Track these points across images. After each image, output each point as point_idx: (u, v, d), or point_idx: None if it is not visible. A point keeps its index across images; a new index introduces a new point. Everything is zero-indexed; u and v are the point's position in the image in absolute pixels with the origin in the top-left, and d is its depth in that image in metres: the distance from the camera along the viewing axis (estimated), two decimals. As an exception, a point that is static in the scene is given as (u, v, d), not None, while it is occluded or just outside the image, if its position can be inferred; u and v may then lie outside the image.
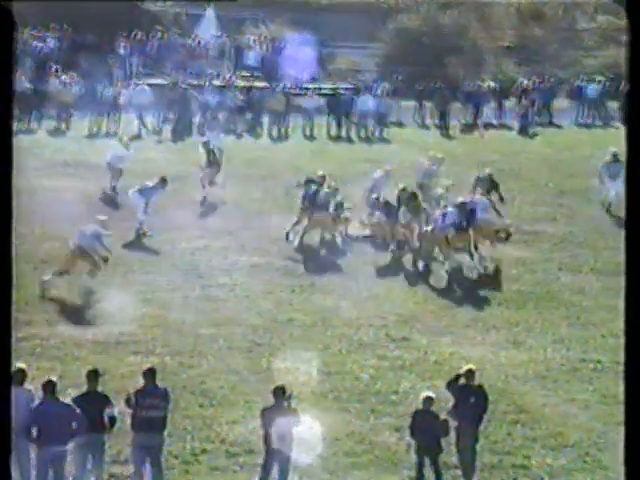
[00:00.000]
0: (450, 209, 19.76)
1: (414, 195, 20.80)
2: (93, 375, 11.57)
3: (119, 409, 11.56)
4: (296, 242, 20.35)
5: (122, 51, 37.74)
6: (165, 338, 15.63)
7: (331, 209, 20.81)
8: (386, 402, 14.00)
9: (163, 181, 20.98)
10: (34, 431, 11.09)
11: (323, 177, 21.54)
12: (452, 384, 12.23)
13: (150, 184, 21.06)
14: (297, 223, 20.76)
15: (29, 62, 35.53)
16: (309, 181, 21.40)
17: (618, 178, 22.14)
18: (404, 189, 20.90)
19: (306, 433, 12.56)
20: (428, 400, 11.82)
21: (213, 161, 23.60)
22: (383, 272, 19.54)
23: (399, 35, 40.56)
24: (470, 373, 12.13)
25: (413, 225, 20.49)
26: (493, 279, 19.32)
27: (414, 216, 20.51)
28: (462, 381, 12.15)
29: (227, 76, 35.42)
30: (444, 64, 37.76)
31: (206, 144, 24.20)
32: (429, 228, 19.72)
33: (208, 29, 40.65)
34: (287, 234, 20.60)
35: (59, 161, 26.67)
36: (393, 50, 40.11)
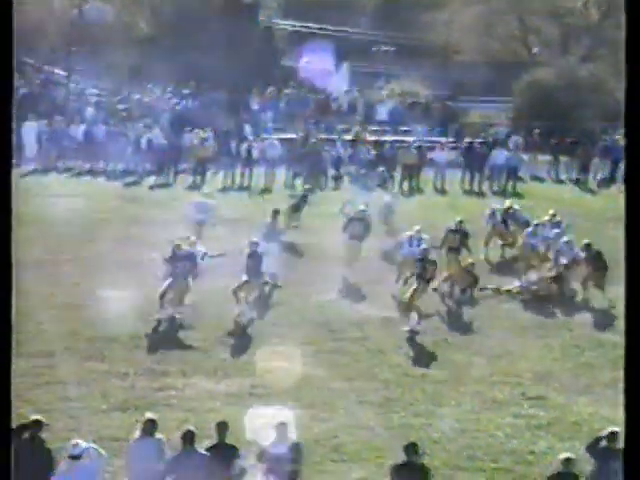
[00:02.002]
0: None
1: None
2: (223, 426, 11.56)
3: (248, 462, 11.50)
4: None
5: (255, 106, 38.46)
6: (297, 391, 15.55)
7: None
8: (522, 462, 13.56)
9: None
10: (170, 480, 11.12)
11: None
12: (593, 447, 11.74)
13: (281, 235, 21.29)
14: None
15: (166, 118, 36.54)
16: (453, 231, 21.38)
17: None
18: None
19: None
20: (568, 461, 11.35)
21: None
22: (517, 328, 19.11)
23: (533, 88, 40.19)
24: (613, 436, 11.63)
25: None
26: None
27: None
28: (604, 444, 11.65)
29: (358, 130, 35.66)
30: (580, 118, 37.16)
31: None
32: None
33: (340, 83, 41.10)
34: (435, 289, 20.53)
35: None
36: (527, 103, 39.75)
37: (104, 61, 48.31)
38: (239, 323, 18.40)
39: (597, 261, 20.53)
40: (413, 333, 18.35)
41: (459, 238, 21.36)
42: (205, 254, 19.58)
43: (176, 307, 18.57)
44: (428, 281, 19.09)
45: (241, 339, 17.85)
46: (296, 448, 11.61)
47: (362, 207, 23.09)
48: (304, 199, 25.47)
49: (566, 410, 15.30)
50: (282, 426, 11.64)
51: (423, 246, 20.12)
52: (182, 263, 18.69)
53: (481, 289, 20.85)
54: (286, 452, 11.47)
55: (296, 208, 24.82)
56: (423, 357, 17.43)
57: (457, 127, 39.00)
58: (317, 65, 42.26)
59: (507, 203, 24.77)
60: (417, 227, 21.71)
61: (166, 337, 17.73)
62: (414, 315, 18.66)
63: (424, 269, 18.94)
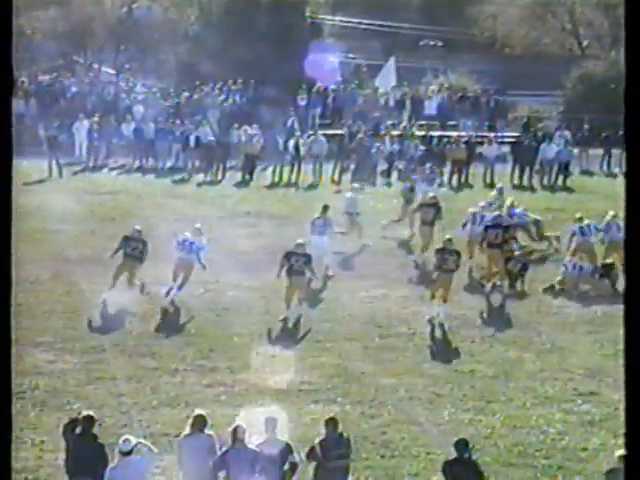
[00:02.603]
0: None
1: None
2: (271, 422, 11.56)
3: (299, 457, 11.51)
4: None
5: (302, 103, 38.48)
6: (345, 387, 15.53)
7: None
8: (574, 459, 13.41)
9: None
10: (221, 476, 11.14)
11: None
12: (646, 442, 11.57)
13: (319, 222, 21.37)
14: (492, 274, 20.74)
15: (215, 115, 36.70)
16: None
17: None
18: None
19: (490, 488, 12.20)
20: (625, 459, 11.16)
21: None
22: (568, 324, 18.93)
23: (583, 81, 39.80)
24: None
25: None
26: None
27: None
28: (658, 439, 11.48)
29: (405, 125, 35.56)
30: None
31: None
32: None
33: (388, 79, 41.01)
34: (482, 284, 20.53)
35: (241, 211, 27.25)
36: (577, 97, 39.39)
37: (153, 59, 48.69)
38: (288, 319, 18.41)
39: None
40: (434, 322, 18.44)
41: (501, 234, 21.02)
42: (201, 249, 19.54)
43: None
44: (451, 271, 18.96)
45: (289, 335, 17.87)
46: (347, 444, 11.57)
47: (431, 194, 23.36)
48: (412, 190, 25.43)
49: (620, 406, 15.09)
50: (332, 422, 11.59)
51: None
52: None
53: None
54: (338, 448, 11.43)
55: (408, 201, 24.82)
56: (472, 353, 17.32)
57: (506, 121, 38.76)
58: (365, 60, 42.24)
59: (508, 201, 23.90)
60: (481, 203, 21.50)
61: (214, 334, 17.79)
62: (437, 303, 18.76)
63: (443, 260, 18.89)
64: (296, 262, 18.72)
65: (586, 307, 19.94)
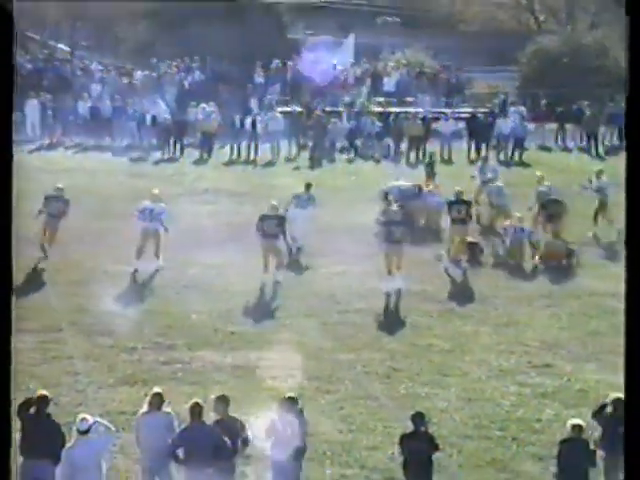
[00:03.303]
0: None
1: None
2: (223, 400, 11.59)
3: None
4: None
5: (260, 80, 38.34)
6: (303, 363, 15.59)
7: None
8: (528, 430, 13.59)
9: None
10: (180, 453, 11.17)
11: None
12: (599, 413, 11.76)
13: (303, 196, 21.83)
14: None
15: (172, 92, 36.49)
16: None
17: None
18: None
19: (446, 461, 12.34)
20: (578, 428, 11.34)
21: None
22: (525, 298, 19.11)
23: (538, 57, 39.97)
24: (618, 402, 11.62)
25: None
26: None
27: None
28: (609, 410, 11.67)
29: (363, 102, 35.57)
30: (585, 85, 36.96)
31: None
32: None
33: (345, 56, 40.93)
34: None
35: (199, 188, 27.21)
36: (532, 72, 39.55)
37: (109, 36, 48.20)
38: (264, 285, 18.73)
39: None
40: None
41: (464, 210, 21.20)
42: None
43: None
44: (399, 242, 19.28)
45: (248, 311, 17.90)
46: (303, 420, 11.62)
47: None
48: (431, 166, 25.80)
49: (572, 378, 15.32)
50: (290, 399, 11.62)
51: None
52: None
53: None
54: (295, 425, 11.47)
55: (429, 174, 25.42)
56: (430, 327, 17.45)
57: (463, 97, 38.88)
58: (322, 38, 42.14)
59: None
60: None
61: (172, 311, 17.78)
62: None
63: (390, 233, 19.26)
64: (268, 225, 19.05)
65: (543, 281, 20.15)
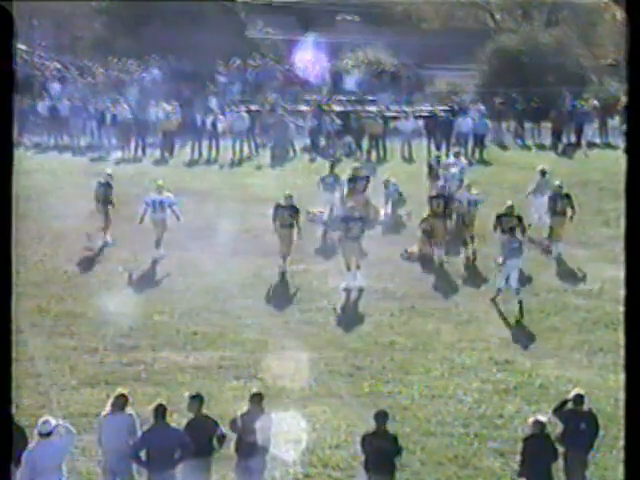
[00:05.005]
0: None
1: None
2: (197, 400, 11.59)
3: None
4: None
5: (221, 79, 38.28)
6: (266, 362, 15.61)
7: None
8: (490, 426, 13.71)
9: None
10: (143, 455, 11.14)
11: None
12: (560, 409, 11.87)
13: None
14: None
15: (133, 91, 36.31)
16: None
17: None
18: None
19: (408, 458, 12.41)
20: (540, 424, 11.44)
21: None
22: (484, 295, 19.23)
23: (497, 55, 40.23)
24: (579, 398, 11.74)
25: None
26: (598, 300, 18.88)
27: None
28: (570, 406, 11.79)
29: (324, 100, 35.61)
30: (545, 83, 37.25)
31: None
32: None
33: (306, 55, 40.96)
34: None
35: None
36: (492, 70, 39.80)
37: (68, 35, 47.85)
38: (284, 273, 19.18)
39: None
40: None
41: (442, 204, 21.11)
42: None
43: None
44: (357, 238, 19.38)
45: (210, 311, 17.88)
46: (268, 419, 11.64)
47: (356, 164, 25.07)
48: (438, 163, 25.83)
49: (533, 374, 15.46)
50: (256, 397, 11.64)
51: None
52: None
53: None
54: (259, 423, 11.49)
55: (433, 174, 25.30)
56: (391, 325, 17.52)
57: (424, 95, 39.04)
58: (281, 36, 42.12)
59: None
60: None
61: (134, 312, 17.71)
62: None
63: (348, 229, 19.39)
64: (281, 215, 19.76)
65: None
